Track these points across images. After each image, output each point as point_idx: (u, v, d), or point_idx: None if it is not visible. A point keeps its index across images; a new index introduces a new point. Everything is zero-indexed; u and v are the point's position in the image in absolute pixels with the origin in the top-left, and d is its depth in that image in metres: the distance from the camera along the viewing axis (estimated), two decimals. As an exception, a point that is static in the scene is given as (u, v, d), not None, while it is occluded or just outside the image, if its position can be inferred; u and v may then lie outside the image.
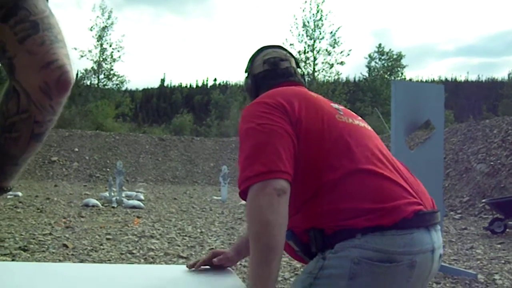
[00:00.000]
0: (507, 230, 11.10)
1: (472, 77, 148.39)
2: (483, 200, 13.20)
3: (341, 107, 2.26)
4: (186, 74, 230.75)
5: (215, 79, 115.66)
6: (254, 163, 1.81)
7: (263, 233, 1.72)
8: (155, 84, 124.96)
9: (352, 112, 2.26)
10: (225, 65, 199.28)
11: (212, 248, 8.83)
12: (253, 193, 1.76)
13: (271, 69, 2.44)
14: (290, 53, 2.60)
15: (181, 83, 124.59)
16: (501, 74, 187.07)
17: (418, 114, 7.55)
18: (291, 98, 2.05)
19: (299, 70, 2.57)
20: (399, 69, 58.05)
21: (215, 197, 19.80)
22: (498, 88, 65.64)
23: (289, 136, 1.88)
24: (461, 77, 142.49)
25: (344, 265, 1.75)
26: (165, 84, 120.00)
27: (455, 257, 8.44)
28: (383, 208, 1.78)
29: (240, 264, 7.64)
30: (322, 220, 1.82)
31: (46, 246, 8.35)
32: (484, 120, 21.70)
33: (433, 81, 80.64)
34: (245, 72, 2.56)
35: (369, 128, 2.21)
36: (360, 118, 2.26)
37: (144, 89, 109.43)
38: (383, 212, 1.78)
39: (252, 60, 2.51)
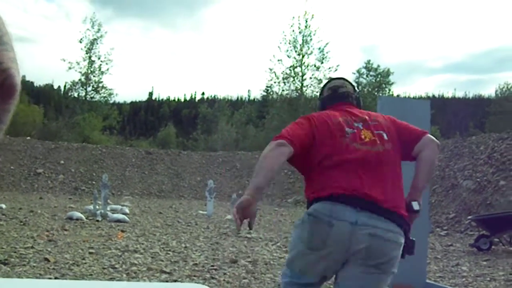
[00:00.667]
0: (493, 247, 11.10)
1: (459, 94, 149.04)
2: (469, 217, 13.20)
3: (352, 129, 3.24)
4: (174, 88, 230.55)
5: (203, 93, 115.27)
6: (279, 134, 3.18)
7: (260, 159, 3.09)
8: (143, 97, 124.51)
9: (363, 134, 3.22)
10: (213, 79, 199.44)
11: (196, 264, 8.74)
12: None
13: (332, 93, 3.63)
14: (349, 82, 3.77)
15: (169, 97, 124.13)
16: (488, 91, 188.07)
17: (404, 130, 7.53)
18: (319, 116, 3.35)
19: (355, 93, 3.69)
20: (387, 85, 58.20)
21: (200, 212, 19.69)
22: (485, 105, 65.95)
23: (305, 131, 3.18)
24: (448, 94, 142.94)
25: (304, 216, 3.06)
26: (153, 98, 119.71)
27: (441, 274, 8.40)
28: (325, 187, 3.02)
29: (224, 279, 7.56)
30: (307, 193, 3.17)
31: (27, 260, 8.23)
32: (470, 137, 21.77)
33: (420, 98, 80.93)
34: (319, 95, 3.87)
35: (379, 137, 3.21)
36: (367, 135, 3.22)
37: (132, 102, 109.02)
38: (325, 190, 3.01)
39: (323, 87, 3.77)
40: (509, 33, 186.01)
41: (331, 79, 3.82)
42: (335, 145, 3.12)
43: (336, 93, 3.57)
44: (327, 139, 3.13)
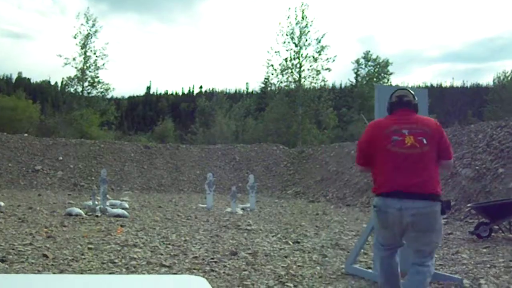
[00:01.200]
0: (493, 234, 11.08)
1: (457, 83, 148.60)
2: (469, 205, 13.17)
3: (401, 135, 4.90)
4: (172, 82, 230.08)
5: (201, 87, 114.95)
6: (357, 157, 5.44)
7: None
8: (141, 91, 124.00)
9: (406, 140, 4.88)
10: (211, 72, 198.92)
11: (196, 257, 8.71)
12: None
13: (398, 100, 5.20)
14: (410, 91, 5.32)
15: (167, 91, 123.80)
16: (485, 80, 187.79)
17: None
18: (379, 123, 5.25)
19: (414, 100, 5.24)
20: (385, 75, 58.23)
21: (200, 205, 19.65)
22: (483, 94, 65.83)
23: (363, 152, 5.23)
24: (447, 83, 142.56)
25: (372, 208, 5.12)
26: (151, 92, 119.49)
27: (441, 262, 8.37)
28: (380, 186, 4.93)
29: (224, 272, 7.53)
30: (373, 189, 5.03)
31: (26, 257, 8.20)
32: (469, 125, 21.73)
33: (418, 87, 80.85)
34: (389, 99, 5.34)
35: (419, 142, 4.89)
36: (410, 139, 4.91)
37: (129, 97, 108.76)
38: (380, 188, 4.92)
39: (391, 95, 5.31)
40: (505, 21, 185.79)
41: (398, 89, 5.50)
42: (384, 152, 4.93)
43: (401, 101, 5.17)
44: (379, 150, 4.98)
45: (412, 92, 5.29)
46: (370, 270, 7.48)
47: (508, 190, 14.24)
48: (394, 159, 4.83)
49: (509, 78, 55.98)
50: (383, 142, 4.89)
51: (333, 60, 49.60)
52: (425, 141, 4.82)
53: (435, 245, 5.10)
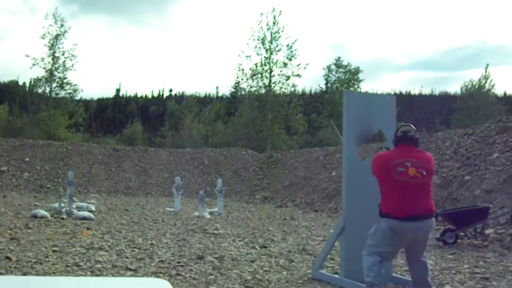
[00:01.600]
0: (459, 241, 11.19)
1: (426, 91, 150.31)
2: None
3: (404, 167, 6.00)
4: (141, 85, 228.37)
5: (170, 90, 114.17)
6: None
7: None
8: (110, 94, 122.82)
9: (409, 171, 5.99)
10: (181, 76, 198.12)
11: (162, 261, 8.65)
12: None
13: (403, 135, 6.26)
14: (413, 127, 6.40)
15: (136, 93, 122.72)
16: (454, 88, 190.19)
17: (370, 124, 7.53)
18: (385, 156, 6.31)
19: (416, 135, 6.37)
20: (355, 82, 58.65)
21: (168, 209, 19.54)
22: (450, 102, 66.61)
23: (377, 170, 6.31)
24: (415, 91, 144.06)
25: (384, 226, 6.02)
26: (121, 94, 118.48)
27: (407, 268, 8.41)
28: (395, 209, 5.95)
29: (190, 276, 7.49)
30: (383, 207, 6.09)
31: (-12, 259, 8.06)
32: (437, 133, 21.95)
33: (387, 94, 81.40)
34: (395, 133, 6.42)
35: (419, 173, 6.02)
36: (417, 167, 6.04)
37: (99, 99, 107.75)
38: (394, 211, 5.94)
39: (397, 130, 6.40)
40: (474, 31, 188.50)
41: (402, 124, 6.62)
42: (392, 181, 6.02)
43: (406, 136, 6.26)
44: (387, 179, 6.09)
45: (414, 128, 6.44)
46: (336, 276, 7.51)
47: (474, 197, 14.40)
48: (401, 187, 5.96)
49: (476, 87, 56.72)
50: (390, 173, 6.01)
51: (305, 68, 49.77)
52: (424, 173, 6.00)
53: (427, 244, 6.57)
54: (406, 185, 5.95)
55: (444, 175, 16.29)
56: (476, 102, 54.46)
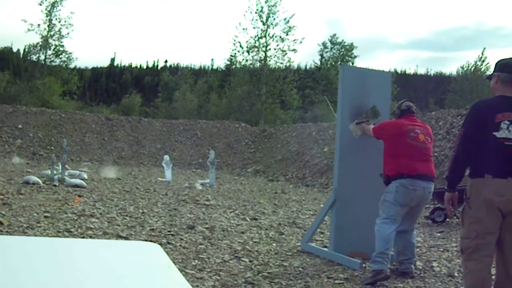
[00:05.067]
0: (447, 219, 11.27)
1: (421, 71, 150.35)
2: (425, 190, 13.36)
3: (415, 133, 6.50)
4: (136, 55, 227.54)
5: (165, 61, 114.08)
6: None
7: None
8: (105, 63, 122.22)
9: (419, 137, 6.50)
10: (176, 47, 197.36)
11: (153, 229, 8.71)
12: None
13: (408, 108, 6.78)
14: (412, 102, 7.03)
15: (131, 63, 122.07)
16: (449, 69, 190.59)
17: (364, 99, 7.54)
18: (397, 122, 6.72)
19: (414, 108, 6.88)
20: (350, 58, 58.59)
21: (160, 179, 19.60)
22: (445, 83, 66.62)
23: (388, 130, 6.73)
24: (411, 70, 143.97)
25: (394, 186, 6.33)
26: (115, 64, 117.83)
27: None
28: (403, 168, 6.32)
29: (180, 245, 7.55)
30: (389, 170, 6.47)
31: (-20, 222, 8.09)
32: (430, 112, 22.00)
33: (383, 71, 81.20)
34: (396, 107, 6.95)
35: (426, 140, 6.59)
36: (423, 134, 6.57)
37: (93, 68, 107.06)
38: (406, 170, 6.30)
39: (400, 104, 6.89)
40: (471, 12, 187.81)
41: (405, 100, 7.05)
42: (404, 144, 6.39)
43: (410, 109, 6.78)
44: (399, 142, 6.42)
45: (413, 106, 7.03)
46: (325, 249, 7.57)
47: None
48: (413, 150, 6.39)
49: (472, 69, 56.73)
50: (403, 137, 6.44)
51: (301, 42, 49.70)
52: (429, 139, 6.61)
53: None
54: (417, 149, 6.42)
55: (436, 154, 16.34)
56: (470, 84, 54.52)
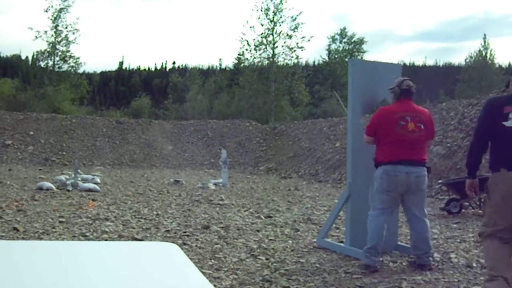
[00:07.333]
0: (463, 210, 11.20)
1: (430, 62, 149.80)
2: (440, 181, 13.29)
3: (405, 121, 6.35)
4: (144, 57, 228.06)
5: (174, 62, 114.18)
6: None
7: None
8: (113, 67, 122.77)
9: (409, 125, 6.34)
10: (184, 48, 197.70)
11: (168, 230, 8.70)
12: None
13: (407, 89, 6.53)
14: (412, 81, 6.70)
15: (139, 66, 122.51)
16: (458, 59, 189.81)
17: (374, 93, 7.50)
18: (388, 110, 6.54)
19: (414, 88, 6.62)
20: (359, 53, 58.41)
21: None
22: (455, 73, 66.40)
23: (377, 122, 6.47)
24: (419, 62, 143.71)
25: (379, 173, 6.37)
26: (124, 67, 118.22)
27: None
28: (388, 156, 6.30)
29: (196, 245, 7.53)
30: (378, 157, 6.45)
31: (-4, 230, 8.11)
32: (441, 103, 21.89)
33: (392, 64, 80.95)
34: (396, 85, 6.62)
35: (418, 127, 6.38)
36: (416, 122, 6.40)
37: (102, 72, 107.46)
38: (388, 157, 6.29)
39: (401, 81, 6.59)
40: (478, 1, 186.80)
41: (405, 78, 6.71)
42: (392, 133, 6.31)
43: (409, 90, 6.54)
44: (387, 130, 6.34)
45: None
46: (341, 244, 7.54)
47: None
48: (400, 139, 6.30)
49: (478, 58, 56.57)
50: (392, 125, 6.33)
51: (309, 40, 49.68)
52: (422, 127, 6.39)
53: (425, 201, 6.67)
54: (404, 139, 6.31)
55: (448, 145, 16.28)
56: (477, 73, 54.33)
